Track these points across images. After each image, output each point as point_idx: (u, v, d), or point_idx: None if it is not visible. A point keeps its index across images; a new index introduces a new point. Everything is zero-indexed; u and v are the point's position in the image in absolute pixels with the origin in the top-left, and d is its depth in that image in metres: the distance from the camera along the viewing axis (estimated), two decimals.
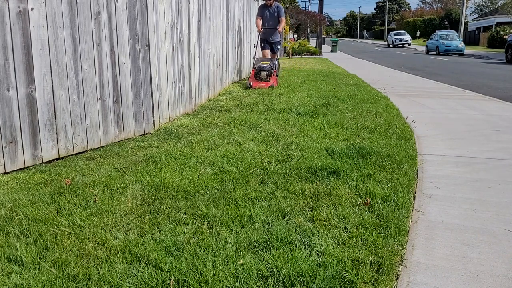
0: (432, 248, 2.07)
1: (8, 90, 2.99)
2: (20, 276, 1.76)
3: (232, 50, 8.53)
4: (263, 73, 7.87)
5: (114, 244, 2.01)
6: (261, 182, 2.88)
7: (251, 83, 7.73)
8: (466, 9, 40.68)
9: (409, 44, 42.22)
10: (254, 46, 9.02)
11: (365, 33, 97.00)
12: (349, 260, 1.88)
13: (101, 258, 1.89)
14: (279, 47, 9.00)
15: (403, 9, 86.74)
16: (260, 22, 8.74)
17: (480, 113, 5.95)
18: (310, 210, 2.43)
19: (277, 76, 8.25)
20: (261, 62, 8.00)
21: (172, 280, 1.72)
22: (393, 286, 1.76)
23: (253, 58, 8.58)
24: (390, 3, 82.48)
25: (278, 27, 8.65)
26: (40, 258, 1.89)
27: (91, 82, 3.67)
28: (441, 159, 3.62)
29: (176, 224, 2.23)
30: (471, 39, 44.61)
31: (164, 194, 2.63)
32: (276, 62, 8.36)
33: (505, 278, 1.83)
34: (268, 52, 8.93)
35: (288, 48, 25.20)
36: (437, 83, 10.21)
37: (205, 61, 6.38)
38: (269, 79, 7.86)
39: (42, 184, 2.82)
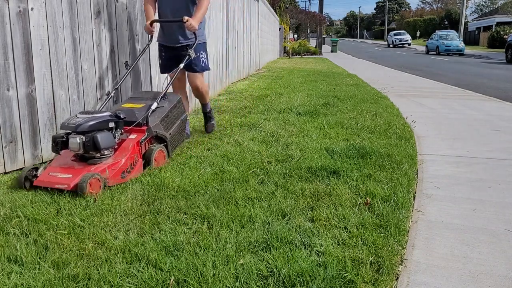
0: (432, 248, 2.07)
1: (8, 90, 2.99)
2: (20, 276, 1.76)
3: (232, 50, 8.52)
4: (75, 143, 2.75)
5: (114, 244, 2.01)
6: (261, 182, 2.88)
7: (36, 173, 2.75)
8: (466, 9, 40.70)
9: (409, 44, 42.27)
10: (126, 66, 3.76)
11: (365, 33, 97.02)
12: (349, 260, 1.88)
13: (101, 258, 1.89)
14: (201, 56, 3.91)
15: (403, 9, 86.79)
16: (151, 8, 3.81)
17: (480, 113, 5.95)
18: (310, 210, 2.43)
19: (164, 150, 3.25)
20: (123, 105, 3.35)
21: (172, 280, 1.72)
22: (393, 286, 1.76)
23: (107, 94, 3.71)
24: (390, 3, 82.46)
25: (190, 19, 3.59)
26: (40, 258, 1.89)
27: (91, 82, 3.66)
28: (441, 159, 3.62)
29: (176, 224, 2.23)
30: (471, 39, 44.63)
31: (164, 194, 2.63)
32: (155, 107, 3.24)
33: (505, 278, 1.83)
34: (180, 78, 3.99)
35: (288, 48, 25.21)
36: (437, 83, 10.21)
37: None
38: (107, 159, 2.85)
39: None
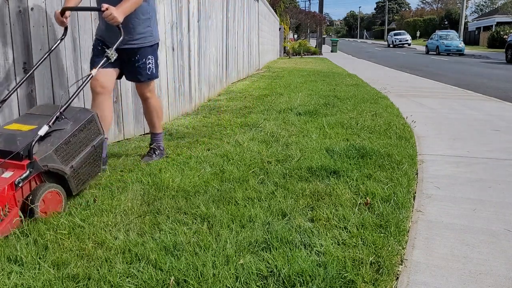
0: (432, 248, 2.07)
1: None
2: (20, 276, 1.76)
3: (232, 50, 8.52)
4: None
5: (114, 244, 2.01)
6: (261, 182, 2.88)
7: None
8: (466, 9, 40.73)
9: (409, 44, 42.29)
10: (24, 70, 2.98)
11: (365, 33, 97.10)
12: (349, 260, 1.88)
13: (101, 258, 1.89)
14: (148, 62, 3.12)
15: (403, 9, 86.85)
16: None
17: (480, 113, 5.95)
18: (310, 210, 2.43)
19: (61, 191, 2.35)
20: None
21: (172, 280, 1.72)
22: (393, 286, 1.76)
23: None
24: (390, 3, 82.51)
25: (111, 7, 2.67)
26: (40, 258, 1.89)
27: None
28: (441, 159, 3.62)
29: (176, 224, 2.23)
30: (471, 39, 44.65)
31: (164, 194, 2.63)
32: (45, 131, 2.28)
33: (505, 278, 1.83)
34: (109, 74, 3.05)
35: (288, 48, 25.23)
36: (437, 83, 10.21)
37: (205, 61, 6.38)
38: None
39: None
